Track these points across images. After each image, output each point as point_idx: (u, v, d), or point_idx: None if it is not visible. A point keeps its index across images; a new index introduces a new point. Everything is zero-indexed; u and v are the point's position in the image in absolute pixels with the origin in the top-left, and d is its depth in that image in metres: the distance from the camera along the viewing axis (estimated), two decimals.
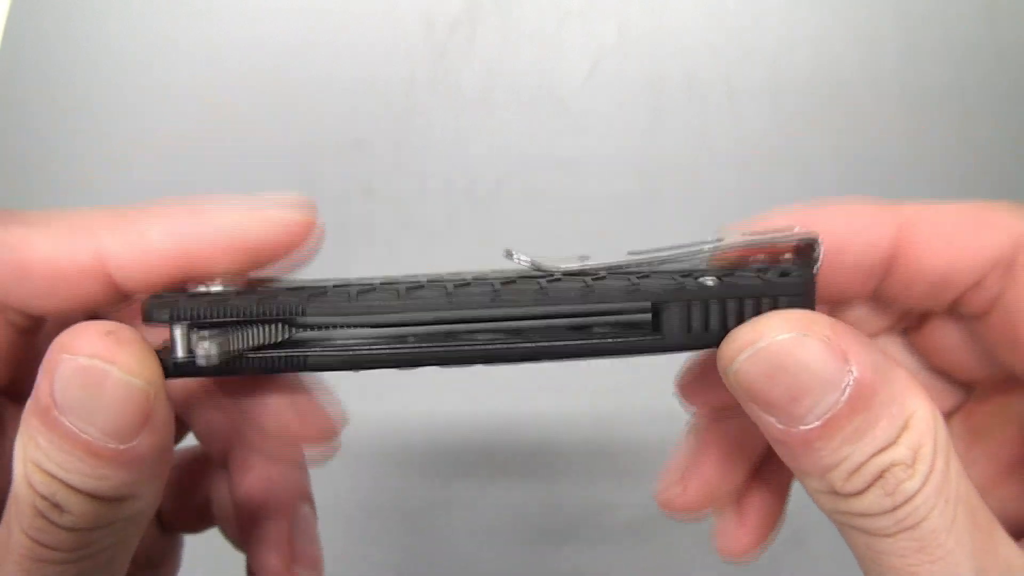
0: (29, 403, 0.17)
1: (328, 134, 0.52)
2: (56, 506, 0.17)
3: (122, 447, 0.17)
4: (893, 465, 0.15)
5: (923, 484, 0.15)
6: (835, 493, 0.16)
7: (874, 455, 0.16)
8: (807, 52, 0.55)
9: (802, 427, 0.16)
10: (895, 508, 0.15)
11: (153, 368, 0.17)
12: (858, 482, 0.16)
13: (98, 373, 0.16)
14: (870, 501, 0.16)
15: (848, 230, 0.19)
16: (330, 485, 0.46)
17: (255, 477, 0.24)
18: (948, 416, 0.21)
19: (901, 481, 0.15)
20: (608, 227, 0.50)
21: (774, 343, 0.16)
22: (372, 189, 0.50)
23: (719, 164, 0.52)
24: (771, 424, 0.16)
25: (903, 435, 0.16)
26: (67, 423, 0.16)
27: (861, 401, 0.16)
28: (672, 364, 0.24)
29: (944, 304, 0.19)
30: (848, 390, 0.16)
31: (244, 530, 0.25)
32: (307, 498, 0.26)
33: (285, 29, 0.54)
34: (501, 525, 0.45)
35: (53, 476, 0.17)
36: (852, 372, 0.16)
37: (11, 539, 0.17)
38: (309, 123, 0.52)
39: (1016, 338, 0.18)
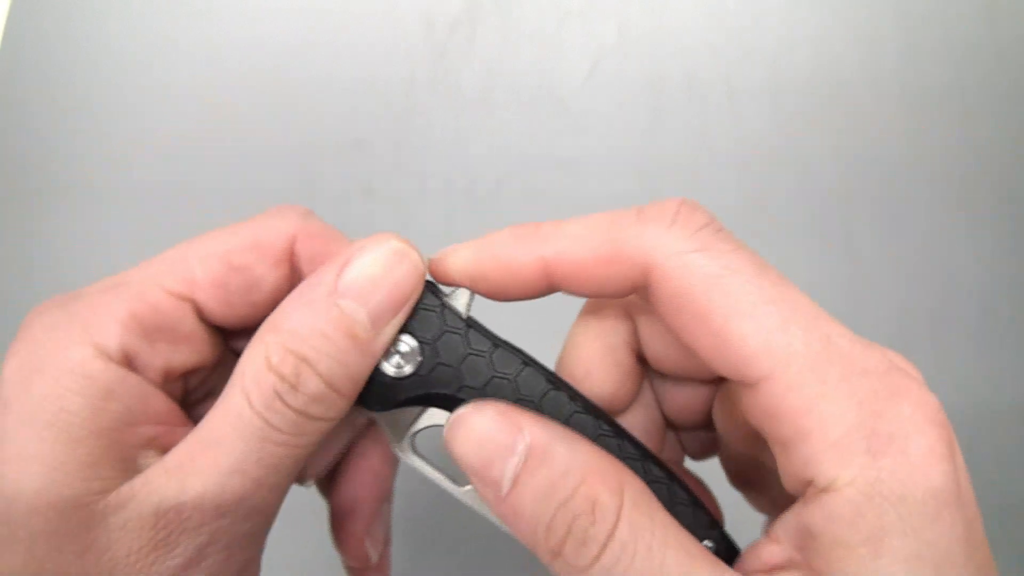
0: (294, 292, 0.20)
1: (328, 134, 0.52)
2: (294, 387, 0.19)
3: (372, 336, 0.20)
4: (576, 517, 0.17)
5: (609, 534, 0.17)
6: (549, 554, 0.18)
7: (558, 508, 0.17)
8: (807, 52, 0.55)
9: (503, 493, 0.18)
10: (598, 556, 0.17)
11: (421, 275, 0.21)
12: (555, 537, 0.17)
13: (403, 253, 0.20)
14: (573, 553, 0.17)
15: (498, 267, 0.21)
16: None
17: (372, 461, 0.27)
18: (704, 408, 0.24)
19: (586, 529, 0.17)
20: None
21: (460, 415, 0.20)
22: (372, 189, 0.50)
23: (719, 164, 0.52)
24: (491, 499, 0.19)
25: (580, 491, 0.17)
26: (342, 304, 0.19)
27: (536, 460, 0.18)
28: None
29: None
30: (523, 451, 0.18)
31: (344, 502, 0.27)
32: (391, 496, 0.29)
33: (285, 29, 0.54)
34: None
35: (302, 357, 0.19)
36: (526, 438, 0.19)
37: (240, 421, 0.19)
38: (309, 123, 0.52)
39: (684, 341, 0.19)
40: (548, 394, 0.21)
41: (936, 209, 0.52)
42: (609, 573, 0.17)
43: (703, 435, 0.25)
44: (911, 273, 0.50)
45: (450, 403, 0.21)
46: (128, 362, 0.21)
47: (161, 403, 0.21)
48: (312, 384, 0.19)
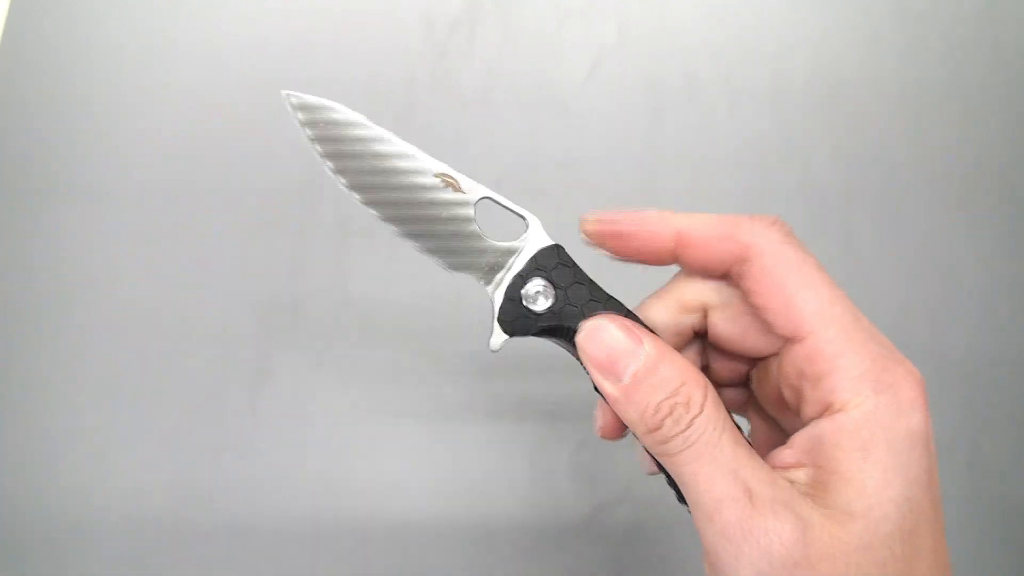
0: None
1: None
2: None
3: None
4: (675, 405, 0.25)
5: (695, 417, 0.25)
6: (648, 429, 0.25)
7: (664, 399, 0.25)
8: (807, 52, 0.55)
9: (622, 383, 0.26)
10: (682, 431, 0.25)
11: None
12: (658, 416, 0.25)
13: None
14: (667, 428, 0.25)
15: (644, 233, 0.29)
16: (336, 492, 0.46)
17: None
18: (741, 382, 0.32)
19: (681, 415, 0.25)
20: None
21: (596, 324, 0.27)
22: None
23: (719, 164, 0.52)
24: (607, 387, 0.26)
25: (681, 389, 0.25)
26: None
27: (652, 364, 0.26)
28: None
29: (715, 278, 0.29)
30: (644, 358, 0.26)
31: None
32: None
33: (285, 29, 0.54)
34: (502, 525, 0.45)
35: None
36: (646, 347, 0.26)
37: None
38: None
39: (759, 305, 0.27)
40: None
41: (936, 209, 0.52)
42: (686, 440, 0.25)
43: (732, 393, 0.33)
44: (911, 273, 0.50)
45: (569, 336, 0.29)
46: None
47: None
48: None
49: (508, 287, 0.29)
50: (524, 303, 0.29)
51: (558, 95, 0.53)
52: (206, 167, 0.51)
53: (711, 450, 0.24)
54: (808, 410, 0.26)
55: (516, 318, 0.29)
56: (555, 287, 0.29)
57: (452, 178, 0.31)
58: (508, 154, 0.52)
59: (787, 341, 0.26)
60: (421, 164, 0.31)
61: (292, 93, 0.30)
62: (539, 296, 0.29)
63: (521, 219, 0.30)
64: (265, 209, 0.50)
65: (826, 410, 0.25)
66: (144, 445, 0.46)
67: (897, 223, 0.51)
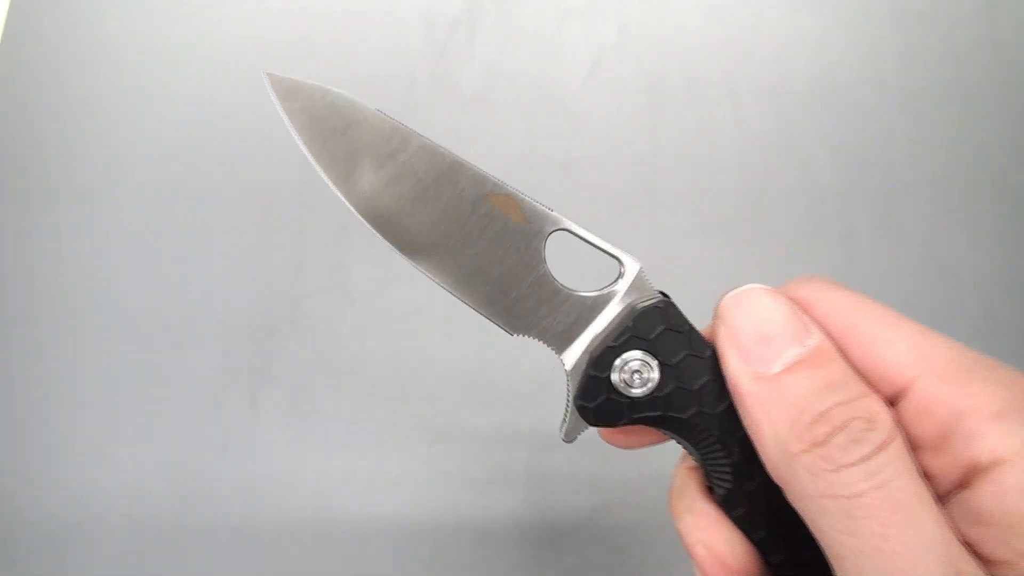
0: None
1: None
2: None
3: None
4: (854, 419, 0.17)
5: (883, 444, 0.17)
6: (802, 444, 0.18)
7: (837, 405, 0.18)
8: (807, 52, 0.55)
9: (770, 370, 0.19)
10: (865, 459, 0.17)
11: None
12: (822, 428, 0.17)
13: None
14: (838, 447, 0.17)
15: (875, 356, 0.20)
16: (336, 493, 0.46)
17: None
18: None
19: (862, 433, 0.17)
20: (608, 227, 0.50)
21: (749, 287, 0.20)
22: None
23: (719, 164, 0.52)
24: (744, 376, 0.19)
25: (862, 401, 0.18)
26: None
27: (823, 358, 0.19)
28: None
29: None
30: (811, 346, 0.19)
31: None
32: None
33: (285, 29, 0.54)
34: (501, 525, 0.45)
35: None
36: (815, 337, 0.19)
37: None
38: None
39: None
40: None
41: (936, 209, 0.52)
42: (872, 475, 0.17)
43: None
44: (911, 273, 0.50)
45: (676, 427, 0.21)
46: None
47: None
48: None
49: (593, 361, 0.22)
50: (614, 384, 0.21)
51: (558, 95, 0.53)
52: (206, 167, 0.51)
53: (915, 505, 0.16)
54: (942, 482, 0.18)
55: (602, 403, 0.21)
56: (660, 363, 0.21)
57: (512, 198, 0.23)
58: (508, 154, 0.52)
59: (890, 402, 0.19)
60: (465, 179, 0.22)
61: (277, 75, 0.24)
62: (636, 375, 0.21)
63: (613, 261, 0.22)
64: (265, 209, 0.50)
65: (969, 473, 0.17)
66: (144, 445, 0.46)
67: (897, 223, 0.51)
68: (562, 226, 0.22)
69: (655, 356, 0.21)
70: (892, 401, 0.19)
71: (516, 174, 0.52)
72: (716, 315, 0.20)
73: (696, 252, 0.50)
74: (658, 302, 0.22)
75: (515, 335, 0.22)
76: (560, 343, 0.22)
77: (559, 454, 0.46)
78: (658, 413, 0.21)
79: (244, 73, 0.53)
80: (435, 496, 0.46)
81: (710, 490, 0.22)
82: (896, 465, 0.17)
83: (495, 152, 0.52)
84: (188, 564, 0.44)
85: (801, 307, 0.20)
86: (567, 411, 0.23)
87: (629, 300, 0.22)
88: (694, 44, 0.55)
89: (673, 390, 0.21)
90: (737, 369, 0.19)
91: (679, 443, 0.23)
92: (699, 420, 0.21)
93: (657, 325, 0.21)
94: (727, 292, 0.20)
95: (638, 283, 0.22)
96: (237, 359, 0.47)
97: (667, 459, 0.28)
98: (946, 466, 0.18)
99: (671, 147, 0.52)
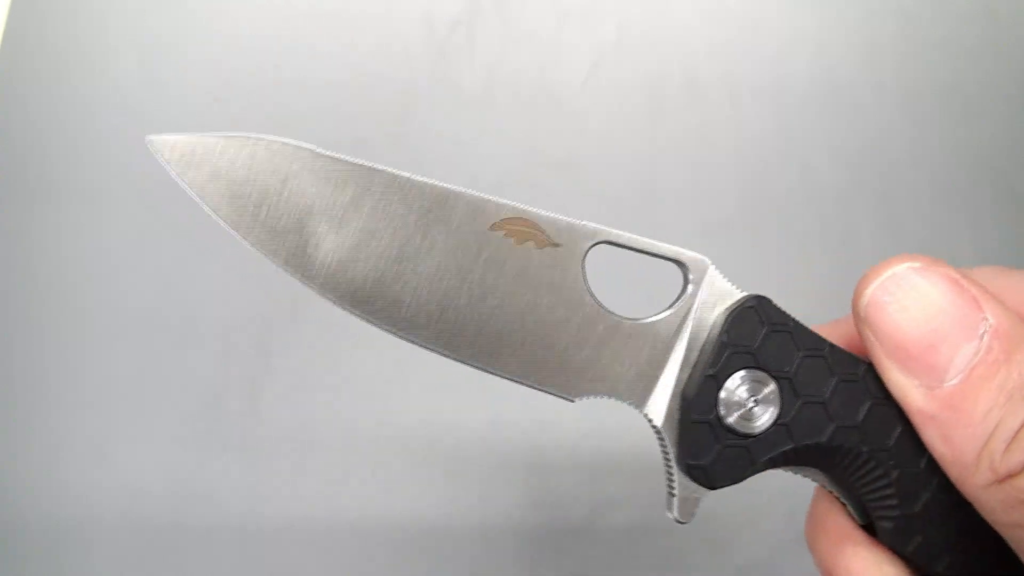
0: None
1: (328, 134, 0.52)
2: None
3: None
4: None
5: None
6: (995, 475, 0.13)
7: None
8: (807, 52, 0.55)
9: (946, 385, 0.14)
10: None
11: None
12: (1017, 456, 0.13)
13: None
14: None
15: None
16: (336, 493, 0.46)
17: None
18: None
19: None
20: (608, 227, 0.50)
21: (893, 270, 0.15)
22: None
23: (719, 164, 0.52)
24: (912, 392, 0.15)
25: None
26: None
27: (1003, 351, 0.14)
28: None
29: None
30: (986, 337, 0.14)
31: None
32: None
33: (285, 30, 0.54)
34: (502, 526, 0.45)
35: None
36: (988, 320, 0.15)
37: None
38: (309, 123, 0.52)
39: None
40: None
41: (936, 209, 0.52)
42: None
43: None
44: None
45: (817, 458, 0.16)
46: None
47: None
48: None
49: (690, 402, 0.16)
50: (727, 423, 0.16)
51: (558, 95, 0.53)
52: None
53: None
54: None
55: (719, 454, 0.16)
56: (773, 376, 0.16)
57: (526, 218, 0.16)
58: (508, 154, 0.52)
59: None
60: (459, 212, 0.15)
61: (164, 137, 0.16)
62: (752, 403, 0.16)
63: (676, 266, 0.18)
64: None
65: None
66: (144, 445, 0.46)
67: (897, 223, 0.51)
68: (601, 239, 0.17)
69: (766, 371, 0.16)
70: None
71: (516, 174, 0.52)
72: (858, 315, 0.16)
73: (696, 252, 0.50)
74: (747, 299, 0.17)
75: (578, 399, 0.17)
76: (639, 393, 0.17)
77: (559, 454, 0.47)
78: (792, 445, 0.16)
79: (244, 73, 0.53)
80: (435, 496, 0.46)
81: (862, 527, 0.18)
82: None
83: (495, 152, 0.52)
84: (188, 564, 0.44)
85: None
86: (672, 480, 0.17)
87: (712, 310, 0.17)
88: (694, 44, 0.55)
89: (801, 409, 0.16)
90: (901, 385, 0.15)
91: (814, 479, 0.19)
92: (842, 439, 0.16)
93: (756, 327, 0.16)
94: (865, 276, 0.16)
95: (715, 285, 0.17)
96: (237, 359, 0.47)
97: None
98: None
99: (671, 147, 0.52)
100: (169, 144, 0.17)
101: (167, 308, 0.48)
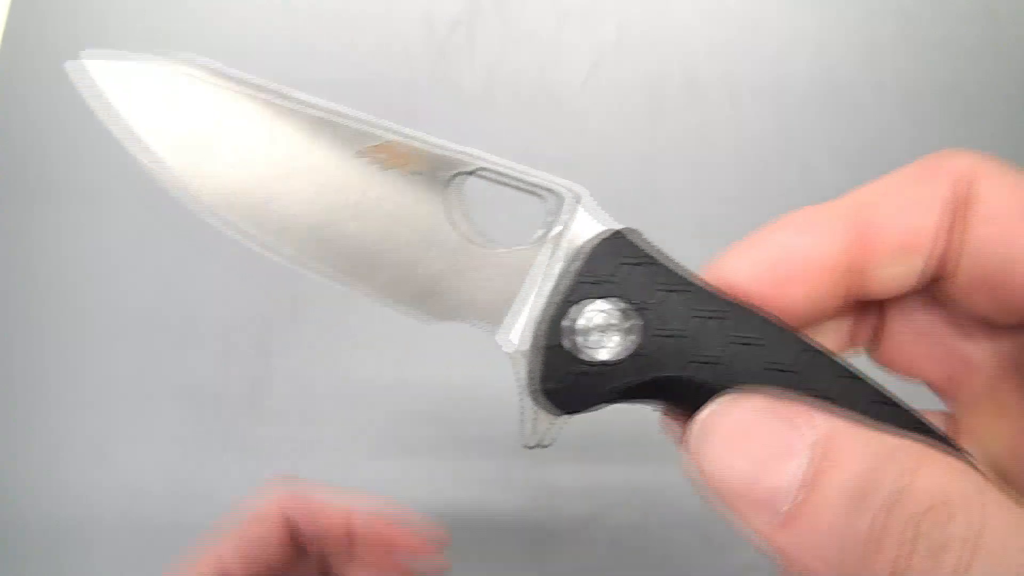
0: None
1: None
2: None
3: None
4: (918, 515, 0.12)
5: (981, 524, 0.12)
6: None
7: (883, 512, 0.13)
8: (807, 52, 0.55)
9: (782, 512, 0.14)
10: (970, 562, 0.12)
11: None
12: (889, 551, 0.12)
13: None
14: (930, 565, 0.12)
15: (807, 242, 0.18)
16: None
17: None
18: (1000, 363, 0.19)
19: (943, 527, 0.12)
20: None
21: (701, 419, 0.15)
22: None
23: (719, 164, 0.52)
24: (760, 526, 0.14)
25: (919, 481, 0.13)
26: None
27: (834, 448, 0.14)
28: None
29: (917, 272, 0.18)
30: (806, 452, 0.14)
31: None
32: None
33: (285, 30, 0.54)
34: (502, 527, 0.45)
35: None
36: (810, 430, 0.14)
37: None
38: None
39: (995, 243, 0.16)
40: (803, 355, 0.16)
41: None
42: (974, 569, 0.12)
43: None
44: None
45: (673, 390, 0.16)
46: None
47: None
48: None
49: (542, 329, 0.16)
50: (579, 349, 0.16)
51: (558, 95, 0.53)
52: None
53: None
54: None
55: (569, 381, 0.16)
56: (635, 306, 0.16)
57: (395, 146, 0.17)
58: (508, 154, 0.52)
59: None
60: (336, 137, 0.16)
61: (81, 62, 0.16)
62: (607, 332, 0.16)
63: (547, 195, 0.17)
64: None
65: None
66: (144, 445, 0.46)
67: None
68: (465, 168, 0.16)
69: (626, 300, 0.16)
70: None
71: None
72: (687, 458, 0.16)
73: (696, 252, 0.50)
74: (615, 232, 0.17)
75: (439, 323, 0.17)
76: (492, 318, 0.16)
77: (559, 454, 0.46)
78: (648, 377, 0.16)
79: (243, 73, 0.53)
80: (435, 496, 0.46)
81: None
82: (1004, 541, 0.12)
83: (495, 152, 0.52)
84: None
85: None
86: (523, 407, 0.17)
87: (578, 239, 0.17)
88: (694, 44, 0.55)
89: (661, 341, 0.16)
90: (752, 525, 0.14)
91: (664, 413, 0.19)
92: (700, 374, 0.16)
93: (618, 257, 0.16)
94: (696, 422, 0.15)
95: (587, 216, 0.17)
96: (237, 359, 0.47)
97: (667, 458, 0.28)
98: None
99: (671, 147, 0.52)
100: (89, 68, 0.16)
101: (167, 308, 0.48)
